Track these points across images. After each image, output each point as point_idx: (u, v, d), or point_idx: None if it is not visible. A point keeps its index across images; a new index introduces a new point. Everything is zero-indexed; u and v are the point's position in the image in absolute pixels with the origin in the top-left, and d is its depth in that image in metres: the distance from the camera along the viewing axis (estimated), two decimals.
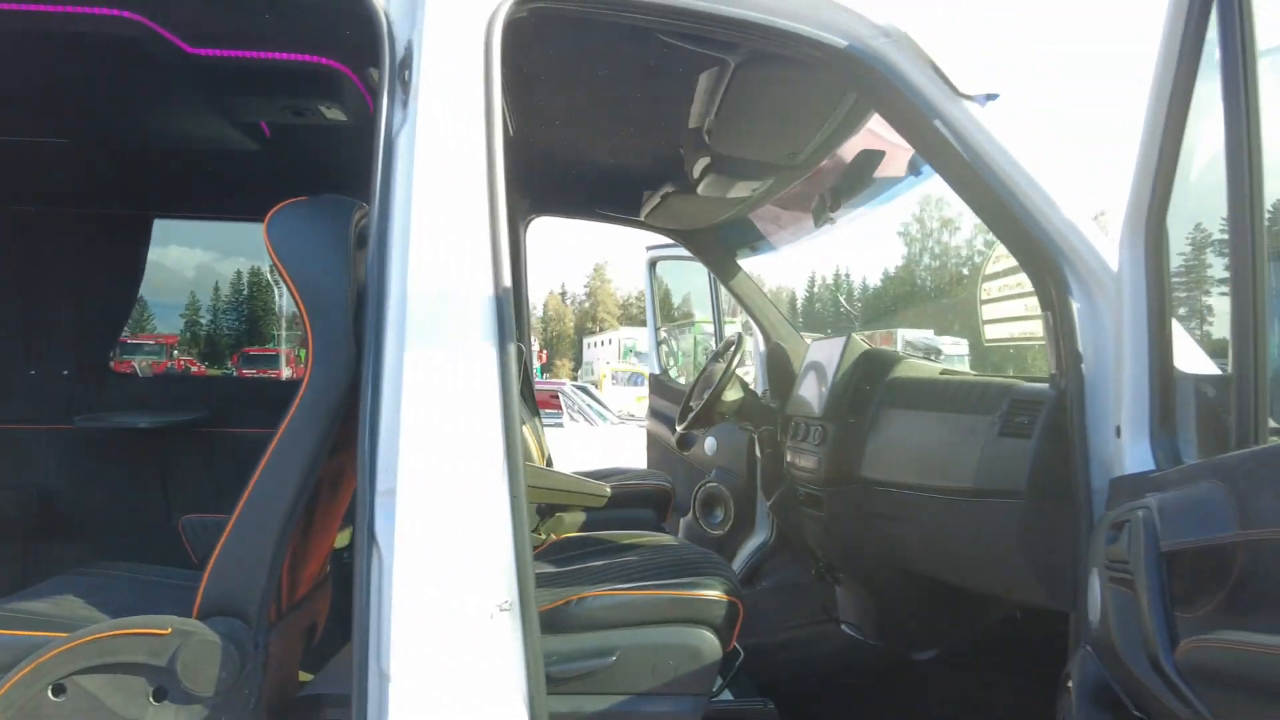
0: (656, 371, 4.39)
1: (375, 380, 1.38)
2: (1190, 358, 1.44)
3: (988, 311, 2.48)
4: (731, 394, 2.92)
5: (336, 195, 1.72)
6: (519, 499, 1.38)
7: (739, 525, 3.42)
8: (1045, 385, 1.65)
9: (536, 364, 30.02)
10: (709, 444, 3.60)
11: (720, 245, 3.43)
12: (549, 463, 3.16)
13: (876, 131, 2.23)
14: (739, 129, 2.13)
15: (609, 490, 2.16)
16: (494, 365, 1.39)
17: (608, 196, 3.32)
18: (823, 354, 2.57)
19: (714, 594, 1.68)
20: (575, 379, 31.67)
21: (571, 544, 2.14)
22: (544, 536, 2.33)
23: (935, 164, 1.62)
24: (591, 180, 3.26)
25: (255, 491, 1.55)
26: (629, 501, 2.85)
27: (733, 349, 2.95)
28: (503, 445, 1.38)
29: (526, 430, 2.79)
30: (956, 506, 1.78)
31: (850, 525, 2.23)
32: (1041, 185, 1.51)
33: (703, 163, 2.45)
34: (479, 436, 1.37)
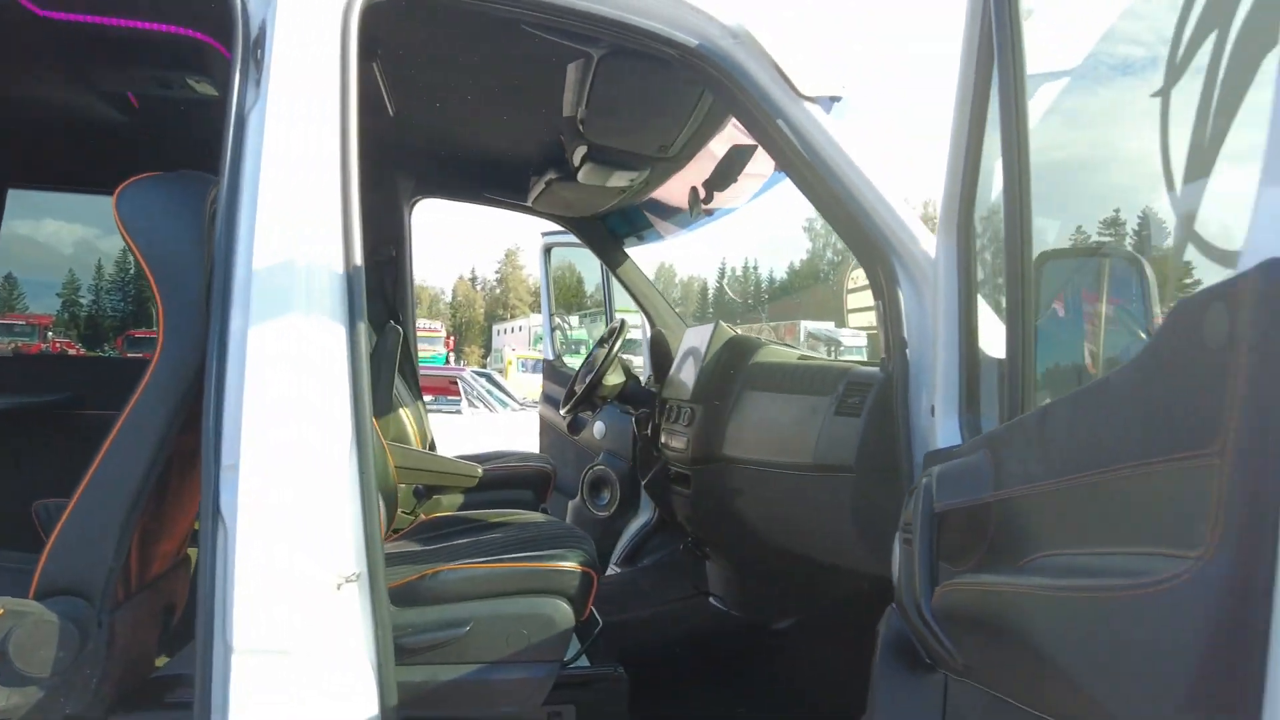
0: (551, 358, 4.44)
1: (220, 356, 1.39)
2: (999, 342, 1.59)
3: (851, 300, 2.64)
4: (613, 378, 3.00)
5: (191, 171, 1.70)
6: (367, 474, 1.41)
7: (625, 507, 3.50)
8: (877, 369, 1.79)
9: (444, 350, 29.45)
10: (598, 428, 3.68)
11: (608, 233, 3.49)
12: (431, 446, 3.16)
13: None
14: (609, 120, 2.19)
15: (480, 471, 2.20)
16: (343, 343, 1.41)
17: (495, 181, 3.34)
18: (696, 340, 2.67)
19: (569, 565, 1.76)
20: (485, 365, 31.23)
21: (440, 523, 2.17)
22: (413, 516, 2.36)
23: (779, 161, 1.72)
24: (478, 164, 3.27)
25: (101, 469, 1.53)
26: (508, 483, 2.90)
27: (615, 335, 3.04)
28: (351, 422, 1.41)
29: (405, 413, 2.80)
30: (799, 481, 1.91)
31: (714, 502, 2.35)
32: (873, 183, 1.63)
33: (580, 151, 2.50)
34: (325, 413, 1.39)
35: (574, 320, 6.66)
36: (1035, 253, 1.64)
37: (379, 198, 3.32)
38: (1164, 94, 0.90)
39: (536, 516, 2.23)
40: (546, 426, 4.25)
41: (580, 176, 2.63)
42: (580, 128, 2.31)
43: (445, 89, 2.62)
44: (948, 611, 1.00)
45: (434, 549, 1.90)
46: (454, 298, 68.15)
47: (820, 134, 1.62)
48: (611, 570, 3.44)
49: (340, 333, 1.41)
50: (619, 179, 2.63)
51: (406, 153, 3.16)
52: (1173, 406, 0.60)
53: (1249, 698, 0.51)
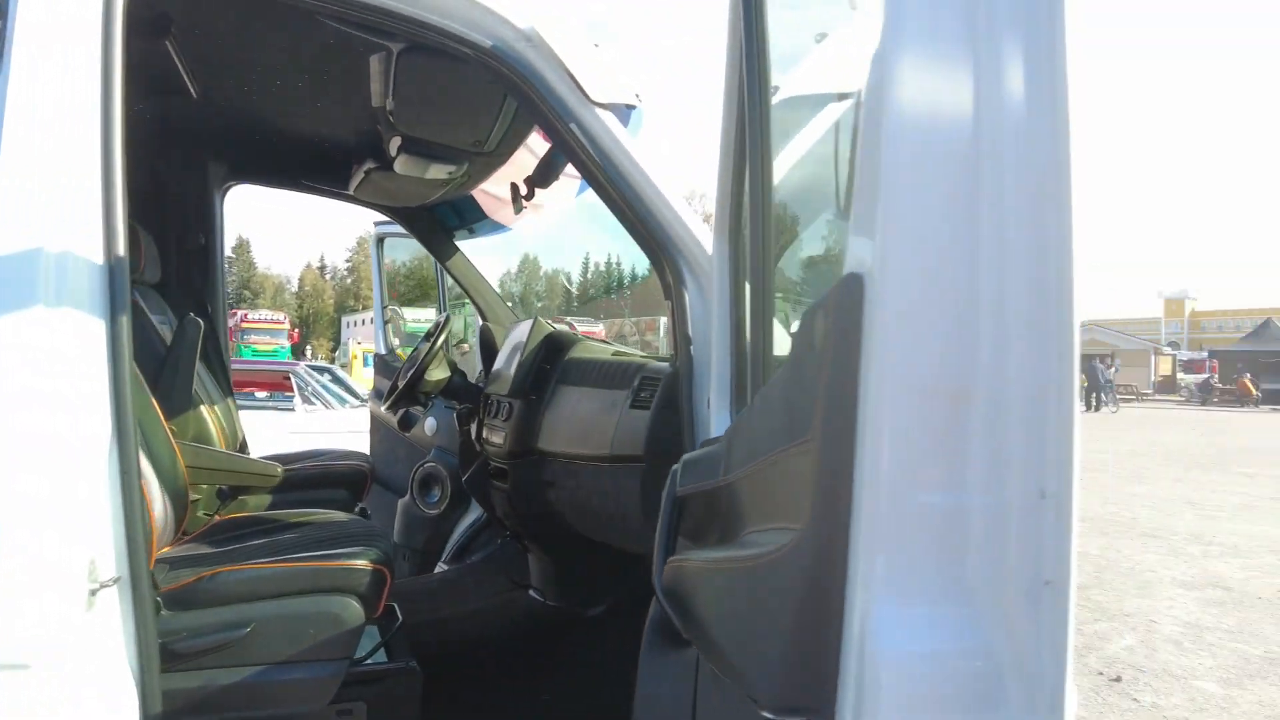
0: (383, 352, 4.34)
1: None
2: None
3: None
4: (437, 373, 2.98)
5: None
6: (130, 473, 1.35)
7: (455, 504, 3.48)
8: (668, 364, 1.89)
9: (288, 344, 27.80)
10: (429, 424, 3.63)
11: (438, 225, 3.45)
12: (243, 445, 3.02)
13: None
14: (417, 113, 2.18)
15: (279, 470, 2.13)
16: (101, 335, 1.34)
17: (314, 168, 3.22)
18: (518, 335, 2.70)
19: (359, 563, 1.75)
20: (333, 359, 29.77)
21: (237, 524, 2.10)
22: (208, 516, 2.26)
23: (575, 163, 1.78)
24: (294, 150, 3.15)
25: None
26: (320, 483, 2.83)
27: (440, 329, 3.02)
28: (111, 418, 1.34)
29: (207, 410, 2.66)
30: (599, 472, 1.99)
31: (529, 495, 2.39)
32: (659, 189, 1.71)
33: (395, 141, 2.47)
34: (80, 408, 1.32)
35: (431, 313, 6.50)
36: (802, 256, 1.77)
37: (186, 183, 3.14)
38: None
39: (338, 516, 2.19)
40: (377, 423, 4.15)
41: (396, 167, 2.59)
42: (391, 118, 2.29)
43: (252, 71, 2.51)
44: (670, 588, 1.09)
45: (222, 551, 1.83)
46: (301, 287, 64.62)
47: (610, 139, 1.69)
48: (440, 568, 3.41)
49: (98, 324, 1.34)
50: (437, 171, 2.61)
51: (215, 136, 3.00)
52: (798, 400, 0.69)
53: (830, 647, 0.60)
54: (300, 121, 2.89)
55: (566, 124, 1.68)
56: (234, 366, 10.99)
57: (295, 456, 3.03)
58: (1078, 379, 0.56)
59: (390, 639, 1.99)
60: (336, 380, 8.72)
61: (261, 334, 27.30)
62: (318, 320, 60.15)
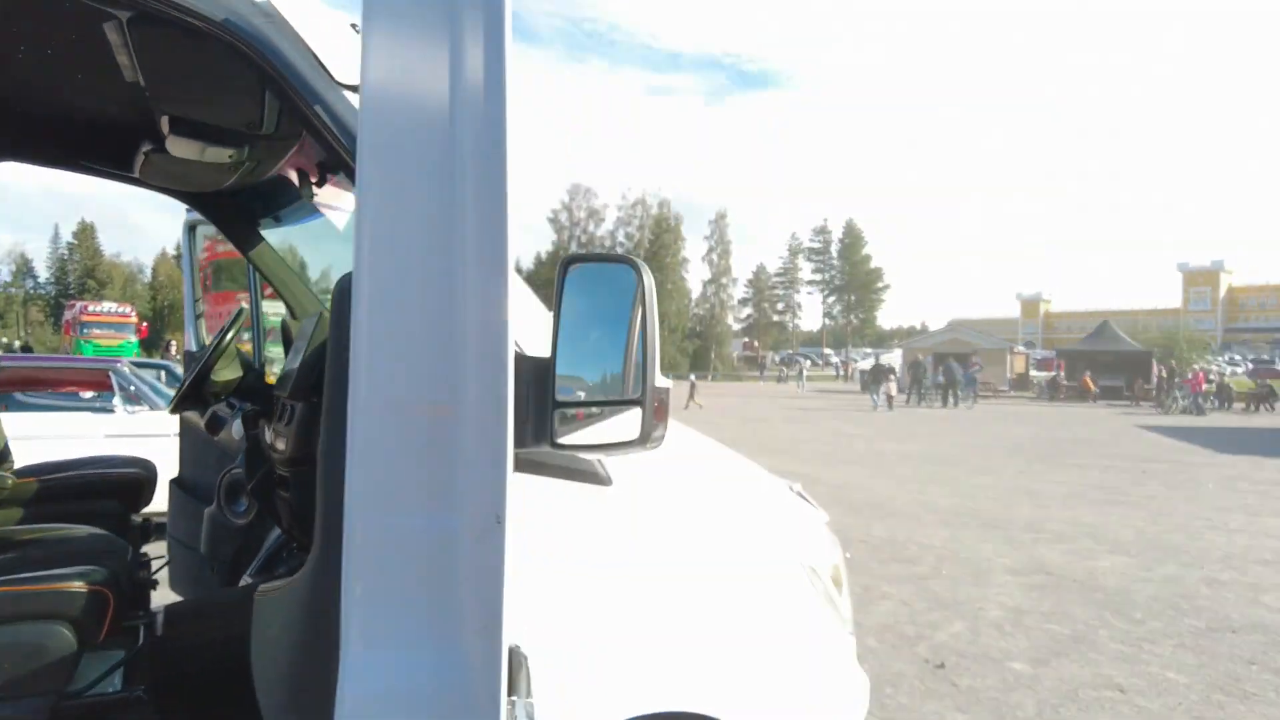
0: (193, 348, 4.02)
1: None
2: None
3: None
4: (227, 373, 2.76)
5: None
6: None
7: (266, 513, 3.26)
8: None
9: (136, 338, 25.79)
10: (236, 428, 3.38)
11: (239, 212, 3.21)
12: (2, 454, 2.70)
13: None
14: (172, 90, 1.99)
15: (10, 482, 1.90)
16: None
17: (89, 146, 2.92)
18: (305, 331, 2.53)
19: (74, 585, 1.56)
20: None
21: None
22: None
23: (324, 148, 1.64)
24: (63, 126, 2.84)
25: None
26: (88, 493, 2.56)
27: (231, 324, 2.80)
28: None
29: None
30: None
31: (311, 505, 2.23)
32: None
33: (164, 120, 2.26)
34: None
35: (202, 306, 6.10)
36: None
37: None
38: None
39: (76, 531, 1.97)
40: (187, 426, 3.85)
41: (169, 148, 2.38)
42: (148, 95, 2.08)
43: None
44: None
45: None
46: (155, 277, 60.24)
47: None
48: (244, 581, 3.18)
49: None
50: (215, 154, 2.41)
51: None
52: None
53: (330, 687, 0.53)
54: (63, 95, 2.59)
55: (311, 106, 1.55)
56: (47, 364, 10.03)
57: (65, 464, 2.74)
58: (511, 400, 0.51)
59: (127, 665, 1.79)
60: (174, 378, 8.09)
61: (105, 328, 24.98)
62: (174, 313, 56.27)
